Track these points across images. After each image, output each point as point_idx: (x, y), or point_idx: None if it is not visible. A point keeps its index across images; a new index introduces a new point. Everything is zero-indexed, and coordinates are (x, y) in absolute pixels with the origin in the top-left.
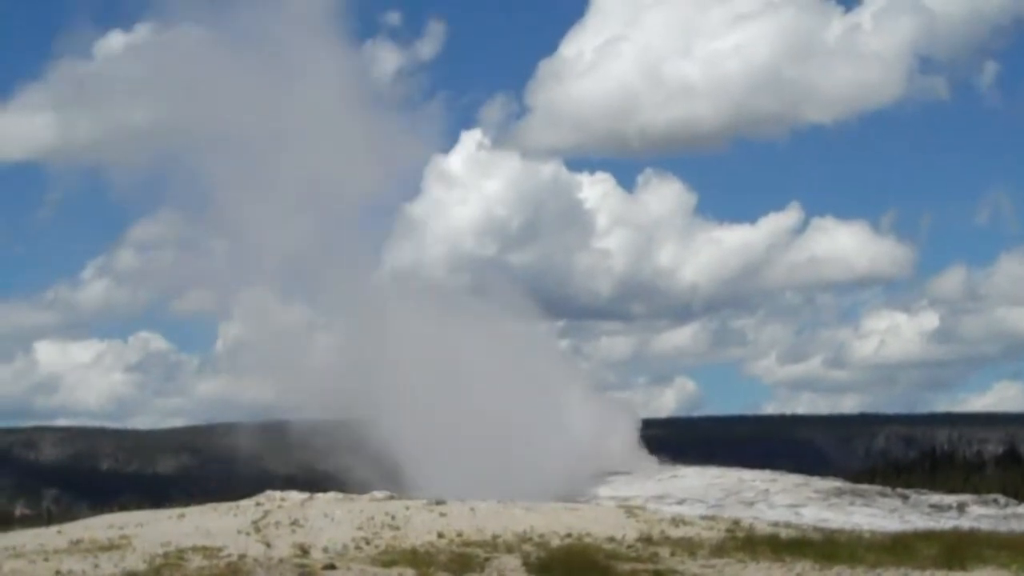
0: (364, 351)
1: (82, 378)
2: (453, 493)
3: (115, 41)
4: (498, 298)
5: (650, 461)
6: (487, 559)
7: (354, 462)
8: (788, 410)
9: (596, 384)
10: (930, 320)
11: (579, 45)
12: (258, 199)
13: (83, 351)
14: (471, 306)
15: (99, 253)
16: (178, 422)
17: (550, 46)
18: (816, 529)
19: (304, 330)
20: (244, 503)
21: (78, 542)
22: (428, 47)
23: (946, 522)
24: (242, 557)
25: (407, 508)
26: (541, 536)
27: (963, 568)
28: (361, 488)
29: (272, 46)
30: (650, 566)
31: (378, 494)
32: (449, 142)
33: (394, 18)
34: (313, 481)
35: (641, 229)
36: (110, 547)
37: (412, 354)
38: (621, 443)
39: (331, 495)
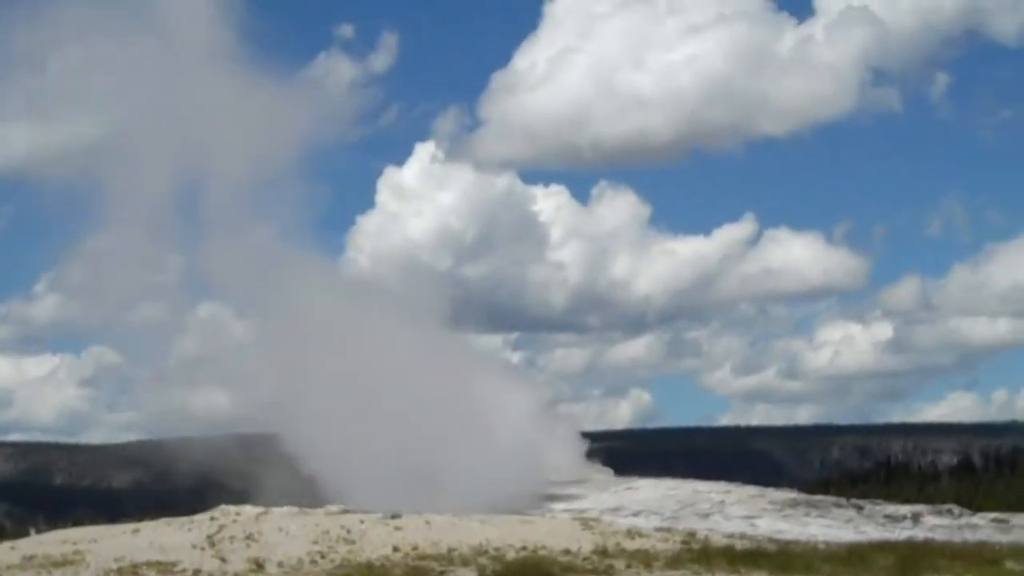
0: (284, 360)
1: (35, 392)
2: (377, 505)
3: (65, 54)
4: (440, 308)
5: (605, 473)
6: (443, 572)
7: (268, 475)
8: (743, 421)
9: (540, 397)
10: (884, 331)
11: (532, 57)
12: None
13: (36, 365)
14: (403, 313)
15: (51, 267)
16: (131, 436)
17: (503, 58)
18: (771, 540)
19: (252, 343)
20: (199, 517)
21: (31, 557)
22: (381, 59)
23: (901, 532)
24: (197, 572)
25: (362, 522)
26: (497, 549)
27: None
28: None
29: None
30: None
31: (332, 508)
32: (403, 154)
33: (347, 31)
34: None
35: (595, 241)
36: (64, 563)
37: (333, 361)
38: (563, 455)
39: (286, 509)
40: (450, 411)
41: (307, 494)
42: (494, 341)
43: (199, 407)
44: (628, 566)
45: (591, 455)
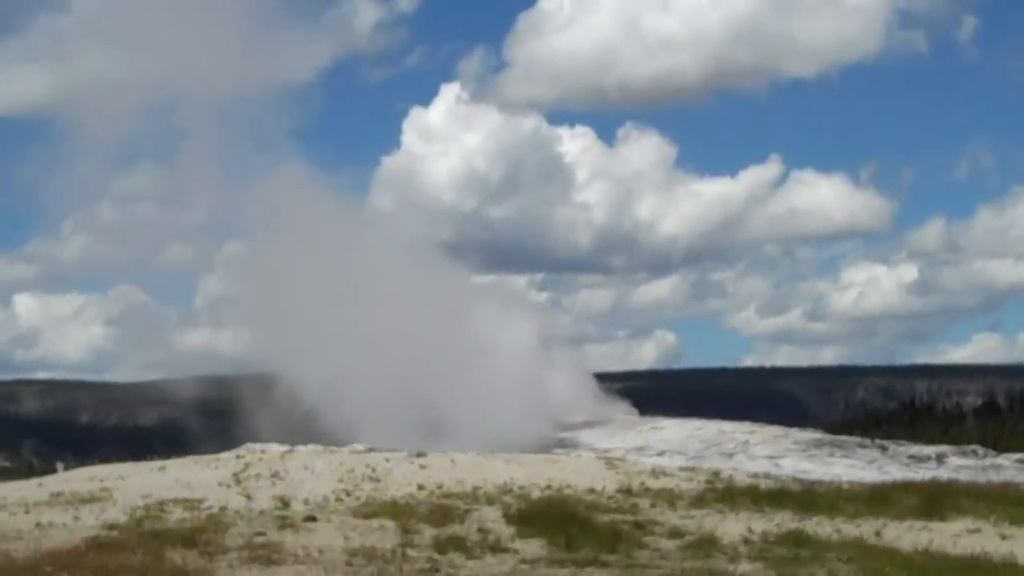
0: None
1: (62, 331)
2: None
3: None
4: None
5: (630, 413)
6: (467, 511)
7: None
8: (768, 362)
9: (542, 329)
10: (909, 272)
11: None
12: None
13: (63, 304)
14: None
15: (79, 207)
16: (157, 375)
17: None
18: (795, 480)
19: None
20: (224, 456)
21: (58, 494)
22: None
23: (925, 473)
24: (223, 509)
25: (387, 460)
26: (521, 488)
27: (942, 519)
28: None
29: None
30: (630, 517)
31: (358, 446)
32: (429, 95)
33: None
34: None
35: (621, 182)
36: (91, 499)
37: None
38: (569, 390)
39: (311, 447)
40: (449, 346)
41: (301, 431)
42: (519, 281)
43: (215, 346)
44: (652, 505)
45: (616, 394)
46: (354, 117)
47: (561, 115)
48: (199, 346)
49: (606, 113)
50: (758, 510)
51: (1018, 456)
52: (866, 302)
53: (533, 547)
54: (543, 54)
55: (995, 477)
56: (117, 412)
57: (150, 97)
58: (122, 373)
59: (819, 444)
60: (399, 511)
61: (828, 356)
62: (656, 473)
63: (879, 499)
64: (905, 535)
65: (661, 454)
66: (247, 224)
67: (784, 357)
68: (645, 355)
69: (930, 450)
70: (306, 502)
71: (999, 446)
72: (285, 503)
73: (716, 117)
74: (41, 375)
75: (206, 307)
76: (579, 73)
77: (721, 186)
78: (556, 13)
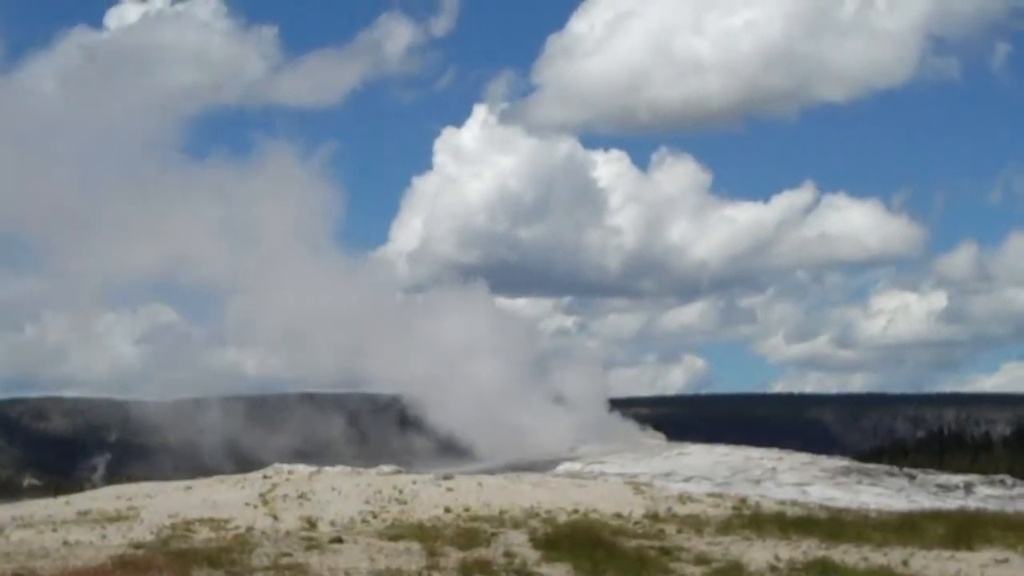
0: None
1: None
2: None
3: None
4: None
5: (657, 438)
6: (494, 534)
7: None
8: (796, 389)
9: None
10: (939, 299)
11: (590, 20)
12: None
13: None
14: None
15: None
16: (186, 394)
17: (560, 21)
18: (822, 507)
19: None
20: (252, 476)
21: (86, 513)
22: (442, 22)
23: (953, 502)
24: (249, 529)
25: (414, 483)
26: (548, 512)
27: (969, 548)
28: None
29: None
30: (656, 543)
31: (385, 468)
32: (461, 118)
33: None
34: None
35: (653, 206)
36: (118, 518)
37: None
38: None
39: (339, 469)
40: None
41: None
42: (546, 305)
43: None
44: (679, 531)
45: (643, 420)
46: (387, 138)
47: (594, 139)
48: (228, 365)
49: (639, 137)
50: (785, 537)
51: None
52: (896, 329)
53: (559, 571)
54: (572, 77)
55: (1023, 507)
56: (145, 431)
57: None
58: (150, 391)
59: (847, 472)
60: (425, 533)
61: (857, 383)
62: (683, 499)
63: (907, 528)
64: (932, 564)
65: (688, 480)
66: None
67: (813, 384)
68: (673, 380)
69: (958, 479)
70: (332, 523)
71: None
72: (312, 524)
73: (750, 142)
74: (69, 393)
75: (235, 326)
76: (609, 96)
77: (754, 211)
78: (586, 36)
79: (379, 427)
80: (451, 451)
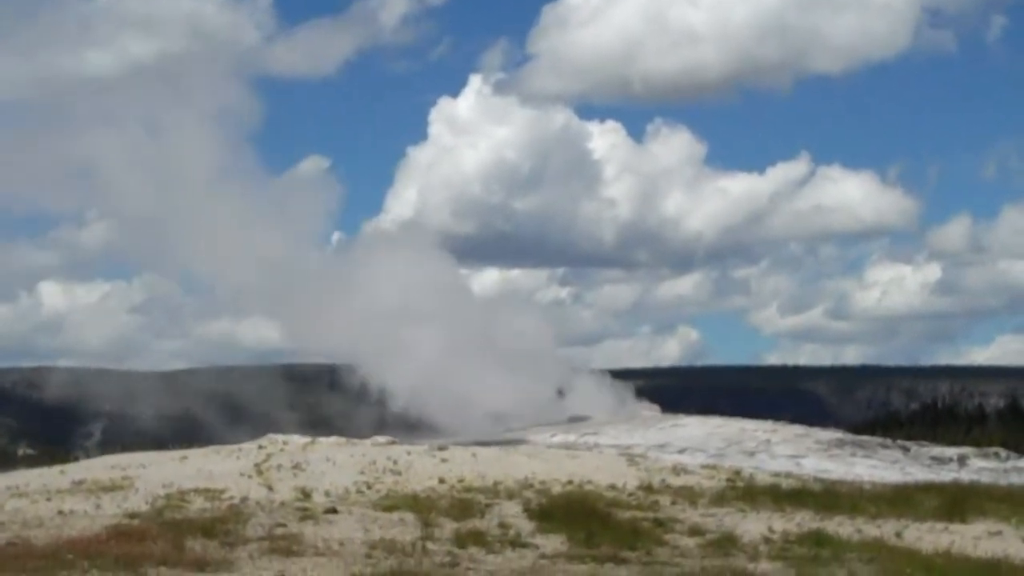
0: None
1: (86, 319)
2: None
3: None
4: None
5: (652, 410)
6: (488, 505)
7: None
8: (790, 361)
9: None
10: (933, 272)
11: None
12: None
13: (87, 292)
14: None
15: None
16: (181, 364)
17: None
18: (817, 480)
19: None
20: (246, 446)
21: (81, 482)
22: None
23: (947, 474)
24: (244, 500)
25: (409, 453)
26: (542, 483)
27: (963, 521)
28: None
29: None
30: (650, 514)
31: (380, 439)
32: (457, 86)
33: None
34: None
35: (648, 178)
36: (112, 488)
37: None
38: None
39: (333, 439)
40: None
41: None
42: (541, 276)
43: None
44: (673, 503)
45: (637, 392)
46: (382, 107)
47: (589, 109)
48: (222, 335)
49: (635, 108)
50: (779, 509)
51: None
52: (890, 301)
53: (553, 542)
54: (568, 47)
55: (1017, 480)
56: (141, 401)
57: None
58: (146, 361)
59: (841, 444)
60: (420, 504)
61: (851, 356)
62: (677, 470)
63: (900, 500)
64: (926, 536)
65: (682, 451)
66: (273, 215)
67: (807, 356)
68: (668, 352)
69: (952, 451)
70: (327, 494)
71: (1022, 449)
72: (306, 495)
73: (745, 113)
74: (64, 362)
75: (230, 298)
76: (604, 67)
77: (749, 183)
78: (582, 6)
79: (316, 398)
80: (399, 424)
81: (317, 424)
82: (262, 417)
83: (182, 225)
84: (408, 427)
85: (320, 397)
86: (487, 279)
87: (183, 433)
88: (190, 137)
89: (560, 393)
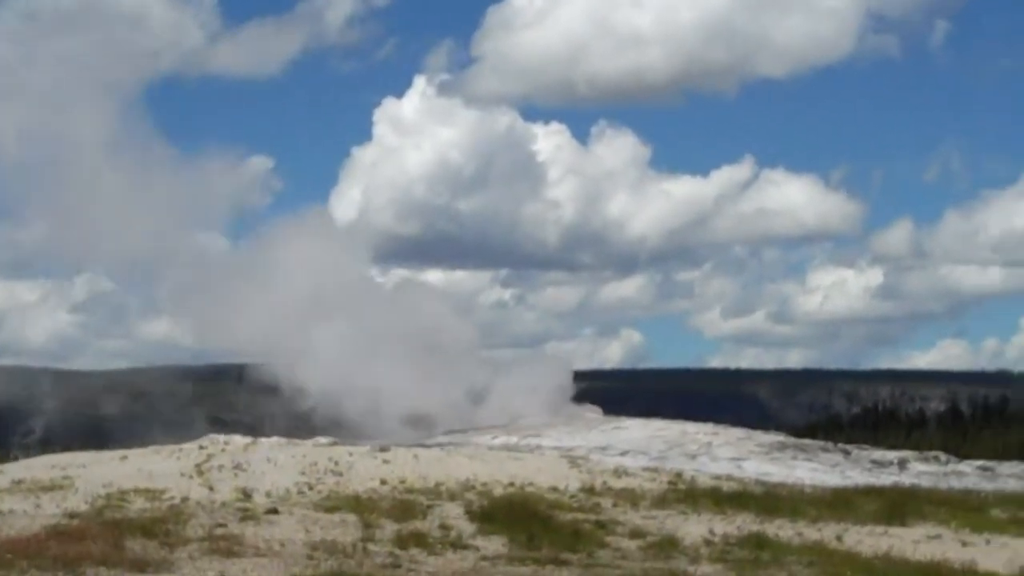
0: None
1: (26, 317)
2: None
3: None
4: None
5: (594, 412)
6: (430, 506)
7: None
8: (733, 364)
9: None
10: (875, 276)
11: None
12: None
13: (27, 291)
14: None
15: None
16: (121, 364)
17: None
18: (758, 482)
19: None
20: (187, 446)
21: (20, 482)
22: None
23: (887, 478)
24: (184, 500)
25: (350, 454)
26: (484, 484)
27: (903, 524)
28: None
29: None
30: (592, 516)
31: (322, 439)
32: (401, 89)
33: None
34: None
35: (592, 180)
36: (52, 487)
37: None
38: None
39: (274, 439)
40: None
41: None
42: (484, 277)
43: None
44: (615, 505)
45: (581, 394)
46: (326, 108)
47: (534, 111)
48: (163, 335)
49: (579, 110)
50: (720, 512)
51: (980, 463)
52: (832, 305)
53: (494, 544)
54: (512, 49)
55: (956, 484)
56: (80, 400)
57: (112, 85)
58: (86, 361)
59: (782, 447)
60: (361, 505)
61: (793, 359)
62: (619, 473)
63: (841, 503)
64: (866, 540)
65: (624, 454)
66: (213, 214)
67: (749, 359)
68: (611, 354)
69: (893, 455)
70: (268, 494)
71: (961, 453)
72: (247, 495)
73: (690, 116)
74: (4, 361)
75: (171, 297)
76: (549, 69)
77: (692, 186)
78: (526, 7)
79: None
80: (309, 424)
81: (224, 423)
82: (171, 418)
83: (93, 221)
84: (322, 429)
85: (230, 396)
86: (431, 280)
87: (120, 433)
88: (88, 118)
89: (478, 396)
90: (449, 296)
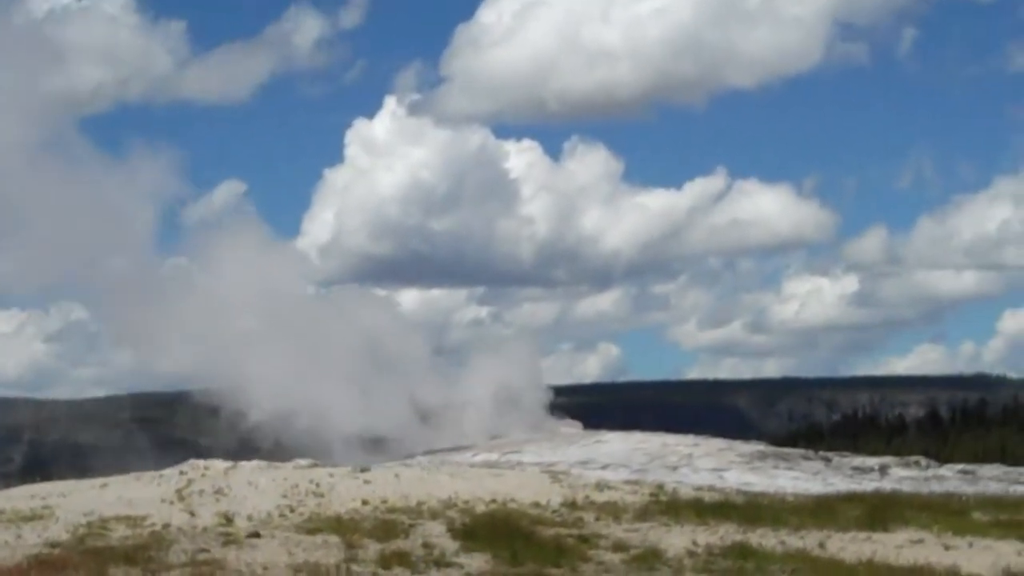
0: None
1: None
2: None
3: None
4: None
5: (574, 427)
6: (412, 525)
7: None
8: (711, 375)
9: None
10: (851, 284)
11: (497, 10)
12: None
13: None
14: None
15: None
16: (99, 392)
17: (467, 12)
18: (739, 492)
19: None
20: (167, 472)
21: (0, 512)
22: (350, 15)
23: (868, 484)
24: (166, 526)
25: (331, 475)
26: (466, 502)
27: (885, 529)
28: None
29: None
30: (574, 531)
31: (302, 461)
32: (372, 110)
33: None
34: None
35: (565, 196)
36: (32, 517)
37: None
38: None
39: (255, 463)
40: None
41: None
42: (460, 296)
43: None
44: (597, 518)
45: (558, 409)
46: (297, 131)
47: (506, 129)
48: (140, 364)
49: (551, 127)
50: (702, 523)
51: (961, 467)
52: (808, 314)
53: (478, 561)
54: (482, 67)
55: (938, 488)
56: (58, 429)
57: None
58: (63, 390)
59: (763, 456)
60: (343, 526)
61: (771, 368)
62: (600, 486)
63: (823, 511)
64: (849, 546)
65: (605, 467)
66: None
67: (727, 370)
68: (589, 369)
69: (873, 461)
70: (250, 518)
71: (942, 457)
72: (228, 519)
73: (661, 129)
74: None
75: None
76: (519, 86)
77: (666, 199)
78: (495, 26)
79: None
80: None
81: (167, 446)
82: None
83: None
84: (267, 452)
85: (174, 421)
86: (406, 300)
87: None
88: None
89: (427, 416)
90: (394, 305)
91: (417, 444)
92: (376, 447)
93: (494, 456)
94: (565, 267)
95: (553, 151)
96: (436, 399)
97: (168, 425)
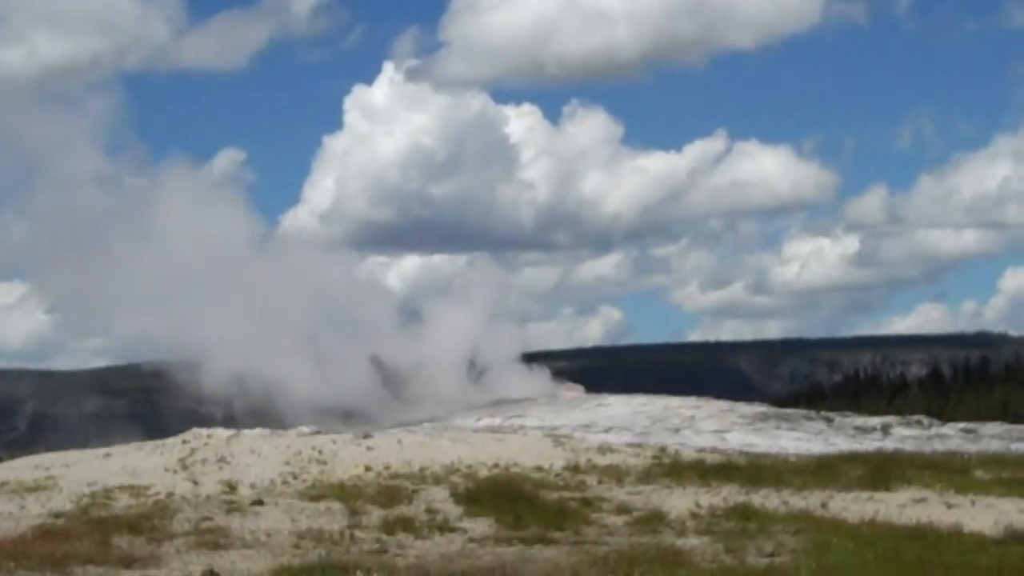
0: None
1: (4, 319)
2: None
3: None
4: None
5: (576, 390)
6: (415, 491)
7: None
8: (713, 337)
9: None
10: (851, 244)
11: None
12: None
13: (4, 292)
14: None
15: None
16: (102, 362)
17: None
18: (742, 454)
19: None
20: (170, 441)
21: (4, 483)
22: None
23: (870, 444)
24: (169, 495)
25: (334, 442)
26: (469, 467)
27: (887, 489)
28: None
29: None
30: (577, 494)
31: (305, 429)
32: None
33: None
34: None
35: (565, 159)
36: (36, 488)
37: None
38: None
39: (257, 431)
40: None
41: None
42: (460, 260)
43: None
44: (600, 482)
45: (561, 373)
46: (297, 98)
47: (504, 93)
48: (141, 333)
49: (550, 90)
50: (705, 484)
51: (962, 425)
52: (809, 274)
53: (481, 526)
54: (480, 32)
55: (940, 447)
56: (62, 400)
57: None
58: (66, 361)
59: (765, 417)
60: (346, 493)
61: (773, 330)
62: (603, 450)
63: (825, 471)
64: (851, 506)
65: (608, 431)
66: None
67: (729, 331)
68: (591, 332)
69: (875, 421)
70: (253, 486)
71: (944, 416)
72: (232, 487)
73: (660, 91)
74: None
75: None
76: (517, 50)
77: (666, 161)
78: None
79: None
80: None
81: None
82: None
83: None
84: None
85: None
86: (408, 266)
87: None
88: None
89: (392, 380)
90: (354, 261)
91: (384, 414)
92: (340, 418)
93: (497, 421)
94: (566, 231)
95: (552, 115)
96: (401, 361)
97: (168, 395)
